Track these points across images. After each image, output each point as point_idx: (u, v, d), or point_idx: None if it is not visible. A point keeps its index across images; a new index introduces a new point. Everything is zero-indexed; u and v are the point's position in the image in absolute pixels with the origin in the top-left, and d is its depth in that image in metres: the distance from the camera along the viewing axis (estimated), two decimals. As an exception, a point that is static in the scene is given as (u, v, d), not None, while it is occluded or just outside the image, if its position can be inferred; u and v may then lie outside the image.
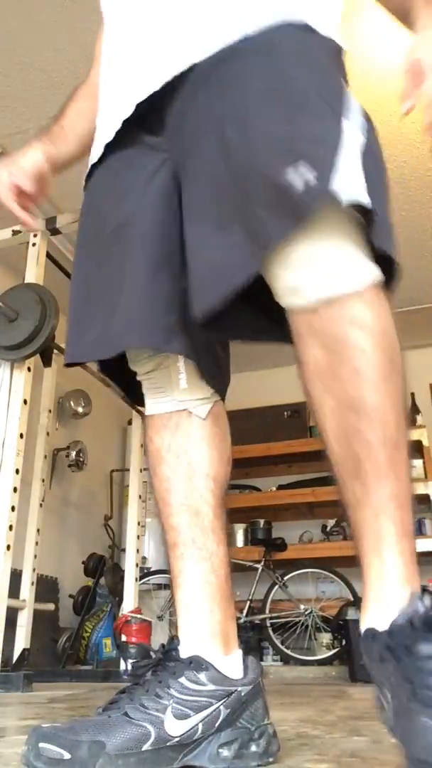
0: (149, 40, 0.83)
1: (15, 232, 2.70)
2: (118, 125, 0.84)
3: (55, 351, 2.68)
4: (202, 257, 0.73)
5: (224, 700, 0.77)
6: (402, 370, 0.67)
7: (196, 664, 0.78)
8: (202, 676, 0.77)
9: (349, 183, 0.63)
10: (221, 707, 0.77)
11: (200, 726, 0.75)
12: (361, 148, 0.67)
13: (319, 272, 0.65)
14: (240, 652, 0.84)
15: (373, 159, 0.68)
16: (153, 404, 0.91)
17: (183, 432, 0.88)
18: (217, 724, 0.76)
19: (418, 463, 3.98)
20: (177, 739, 0.73)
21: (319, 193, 0.62)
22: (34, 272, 2.62)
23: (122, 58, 0.87)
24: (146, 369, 0.91)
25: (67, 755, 0.67)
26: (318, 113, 0.67)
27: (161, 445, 0.89)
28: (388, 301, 0.67)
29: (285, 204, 0.63)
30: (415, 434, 3.99)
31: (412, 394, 4.27)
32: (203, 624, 0.82)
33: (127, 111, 0.82)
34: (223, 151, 0.70)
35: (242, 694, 0.79)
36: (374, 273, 0.66)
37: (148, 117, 0.83)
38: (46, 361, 2.74)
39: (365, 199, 0.63)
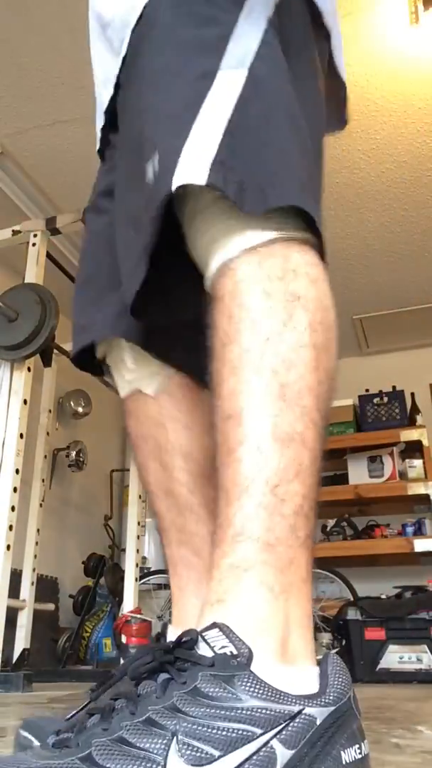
0: (100, 42, 0.82)
1: (15, 232, 2.70)
2: (98, 134, 0.88)
3: (55, 351, 2.68)
4: (120, 251, 0.71)
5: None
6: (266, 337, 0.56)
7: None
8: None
9: (189, 165, 0.57)
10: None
11: None
12: (232, 104, 0.59)
13: (199, 250, 0.61)
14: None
15: (258, 104, 0.60)
16: (119, 389, 0.88)
17: (143, 414, 0.84)
18: None
19: (418, 463, 3.98)
20: None
21: (161, 185, 0.57)
22: (34, 272, 2.63)
23: (94, 64, 0.88)
24: (101, 355, 0.88)
25: (36, 742, 0.59)
26: (172, 91, 0.62)
27: (133, 433, 0.86)
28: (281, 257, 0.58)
29: (147, 197, 0.60)
30: (415, 434, 3.99)
31: (412, 394, 4.27)
32: (188, 615, 0.75)
33: (101, 120, 0.87)
34: (119, 145, 0.73)
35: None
36: (244, 241, 0.58)
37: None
38: (46, 361, 2.74)
39: (200, 180, 0.56)
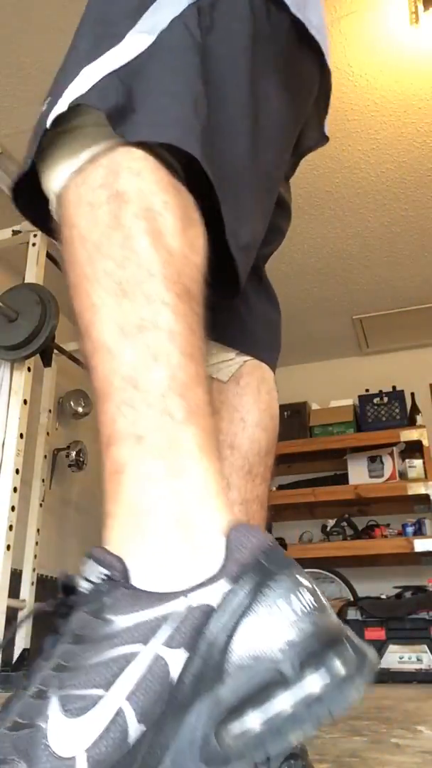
0: None
1: (15, 232, 2.70)
2: None
3: (55, 351, 2.68)
4: None
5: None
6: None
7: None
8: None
9: (62, 102, 0.57)
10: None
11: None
12: (127, 60, 0.59)
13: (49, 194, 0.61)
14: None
15: (152, 65, 0.60)
16: None
17: None
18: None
19: (418, 463, 3.98)
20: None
21: (40, 122, 0.58)
22: (34, 272, 2.63)
23: None
24: None
25: None
26: (82, 45, 0.64)
27: None
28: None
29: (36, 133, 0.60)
30: (415, 434, 3.99)
31: (412, 394, 4.27)
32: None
33: None
34: None
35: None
36: (70, 166, 0.57)
37: None
38: (46, 361, 2.74)
39: (62, 108, 0.56)
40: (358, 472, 4.11)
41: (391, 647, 3.07)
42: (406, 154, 3.02)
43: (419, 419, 4.13)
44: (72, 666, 0.40)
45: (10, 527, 2.33)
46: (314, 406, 4.44)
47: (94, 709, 0.38)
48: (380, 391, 4.26)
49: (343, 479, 4.15)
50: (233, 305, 0.87)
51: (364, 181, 3.18)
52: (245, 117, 0.68)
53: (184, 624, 0.40)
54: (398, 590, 3.43)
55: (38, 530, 2.80)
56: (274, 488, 4.45)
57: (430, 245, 3.61)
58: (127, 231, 0.51)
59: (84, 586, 0.44)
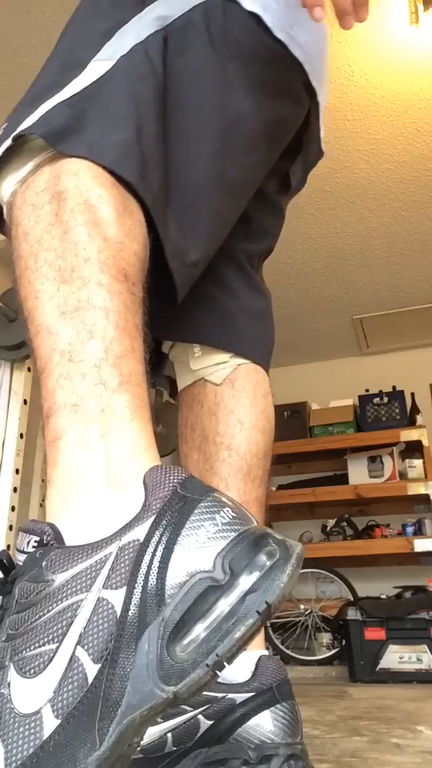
0: None
1: (15, 232, 2.70)
2: None
3: (55, 351, 2.68)
4: None
5: (204, 708, 0.61)
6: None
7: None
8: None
9: (12, 136, 0.64)
10: (200, 717, 0.61)
11: (170, 736, 0.60)
12: (84, 86, 0.65)
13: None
14: (257, 652, 0.68)
15: (107, 89, 0.65)
16: (179, 381, 0.91)
17: (198, 402, 0.86)
18: (196, 737, 0.61)
19: (418, 463, 3.98)
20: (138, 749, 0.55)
21: None
22: (34, 272, 2.62)
23: None
24: (168, 347, 0.92)
25: None
26: (49, 73, 0.71)
27: (182, 422, 0.87)
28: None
29: None
30: (415, 434, 3.99)
31: (412, 394, 4.27)
32: None
33: None
34: None
35: (236, 702, 0.62)
36: (17, 176, 0.63)
37: None
38: (46, 361, 2.74)
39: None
40: (358, 472, 4.10)
41: (391, 647, 3.07)
42: (406, 154, 3.02)
43: (419, 419, 4.12)
44: (22, 631, 0.43)
45: (10, 527, 2.32)
46: (314, 406, 4.44)
47: (51, 663, 0.40)
48: (380, 391, 4.26)
49: (343, 479, 4.14)
50: (223, 302, 0.88)
51: (364, 181, 3.18)
52: (209, 138, 0.71)
53: (118, 563, 0.42)
54: (398, 590, 3.43)
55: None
56: (273, 488, 4.45)
57: (430, 245, 3.61)
58: (66, 225, 0.56)
59: (20, 558, 0.47)
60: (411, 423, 4.12)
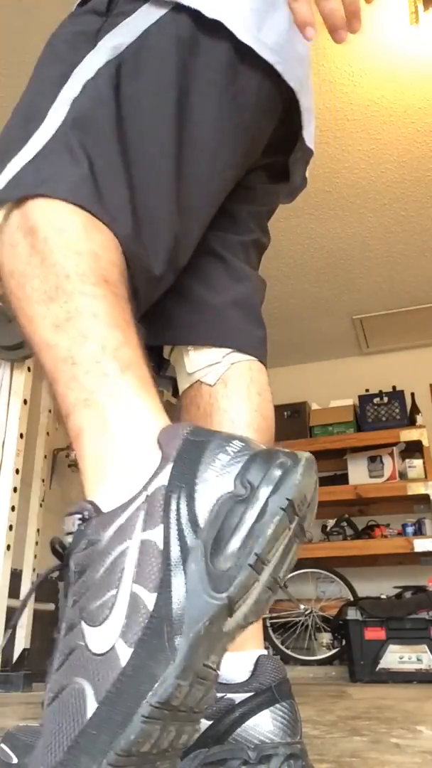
0: None
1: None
2: None
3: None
4: None
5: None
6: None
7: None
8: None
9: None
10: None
11: None
12: (47, 139, 0.70)
13: None
14: (256, 652, 0.69)
15: (70, 135, 0.70)
16: (179, 384, 0.92)
17: (195, 404, 0.87)
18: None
19: (418, 463, 3.98)
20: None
21: None
22: (34, 272, 2.62)
23: None
24: (167, 351, 0.93)
25: (14, 759, 0.58)
26: (13, 119, 0.76)
27: None
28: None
29: None
30: (415, 434, 3.99)
31: (412, 394, 4.28)
32: None
33: None
34: None
35: (235, 702, 0.63)
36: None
37: None
38: (46, 361, 2.74)
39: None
40: (358, 472, 4.11)
41: (391, 647, 3.07)
42: (406, 154, 3.02)
43: (419, 419, 4.13)
44: (83, 591, 0.49)
45: (10, 527, 2.33)
46: (314, 406, 4.44)
47: (114, 607, 0.46)
48: (380, 391, 4.26)
49: (343, 479, 4.15)
50: (203, 297, 0.89)
51: (364, 181, 3.18)
52: (167, 156, 0.74)
53: (151, 508, 0.48)
54: (398, 590, 3.43)
55: (38, 530, 2.80)
56: (274, 488, 4.44)
57: (430, 245, 3.61)
58: (42, 253, 0.62)
59: (68, 539, 0.53)
60: (411, 423, 4.13)
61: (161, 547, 0.46)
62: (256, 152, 0.88)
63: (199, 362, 0.88)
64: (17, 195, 0.66)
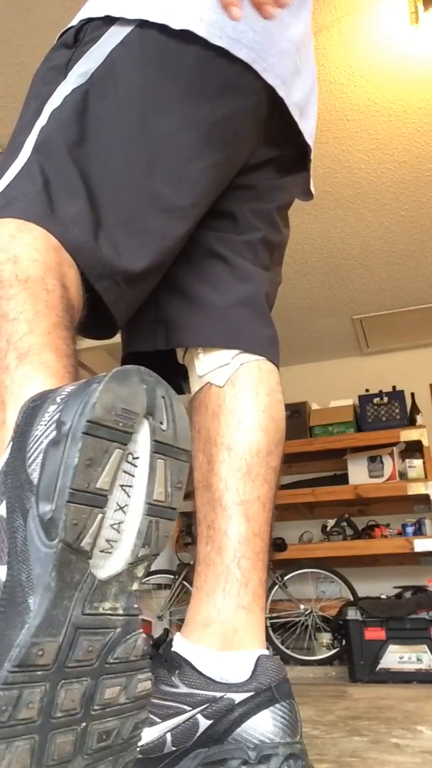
0: None
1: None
2: None
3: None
4: None
5: (203, 708, 0.62)
6: None
7: (170, 661, 0.64)
8: (176, 678, 0.62)
9: None
10: (199, 716, 0.62)
11: (169, 736, 0.61)
12: (16, 171, 0.74)
13: None
14: (257, 651, 0.69)
15: (50, 143, 0.75)
16: (191, 387, 0.93)
17: (204, 405, 0.87)
18: (195, 737, 0.61)
19: (418, 463, 3.97)
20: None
21: None
22: (34, 272, 2.62)
23: None
24: (180, 355, 0.94)
25: None
26: (3, 156, 0.79)
27: (191, 427, 0.88)
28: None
29: None
30: (415, 434, 3.99)
31: (412, 394, 4.27)
32: (198, 611, 0.73)
33: None
34: None
35: (235, 702, 0.62)
36: None
37: None
38: (46, 361, 2.74)
39: None
40: (358, 472, 4.10)
41: (391, 647, 3.07)
42: (406, 154, 3.02)
43: (419, 419, 4.13)
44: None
45: (10, 527, 2.33)
46: (314, 406, 4.44)
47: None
48: (380, 391, 4.26)
49: (343, 479, 4.14)
50: (209, 300, 0.89)
51: (364, 181, 3.18)
52: (136, 170, 0.77)
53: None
54: (398, 590, 3.43)
55: None
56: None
57: (430, 245, 3.61)
58: None
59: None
60: (411, 423, 4.12)
61: (5, 515, 0.46)
62: (245, 149, 0.88)
63: (209, 364, 0.88)
64: None
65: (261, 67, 0.81)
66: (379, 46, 2.52)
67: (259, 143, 0.89)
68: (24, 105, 0.84)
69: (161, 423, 0.47)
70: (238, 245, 0.93)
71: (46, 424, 0.47)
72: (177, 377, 0.96)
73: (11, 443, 0.50)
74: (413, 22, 2.31)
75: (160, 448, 0.47)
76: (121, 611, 0.44)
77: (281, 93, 0.85)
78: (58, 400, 0.48)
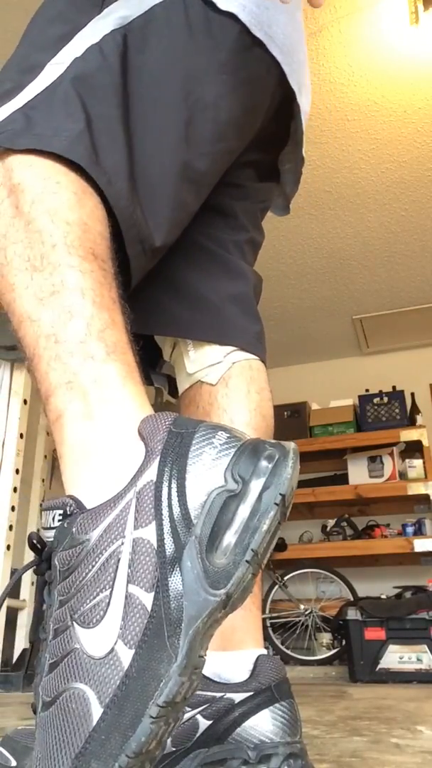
0: None
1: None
2: None
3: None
4: None
5: (203, 708, 0.62)
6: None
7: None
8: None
9: None
10: (198, 716, 0.62)
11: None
12: (38, 91, 0.67)
13: None
14: (256, 651, 0.69)
15: (58, 91, 0.67)
16: (179, 385, 0.91)
17: (194, 404, 0.87)
18: (195, 738, 0.61)
19: (418, 463, 3.98)
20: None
21: None
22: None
23: None
24: (167, 353, 0.93)
25: (13, 762, 0.57)
26: (6, 76, 0.71)
27: None
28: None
29: None
30: (415, 434, 3.99)
31: (412, 394, 4.27)
32: None
33: None
34: None
35: (235, 702, 0.62)
36: None
37: None
38: (46, 361, 2.74)
39: None
40: (358, 472, 4.11)
41: (391, 647, 3.07)
42: (406, 154, 3.02)
43: (419, 419, 4.13)
44: (73, 592, 0.47)
45: (10, 527, 2.33)
46: (314, 406, 4.44)
47: (110, 607, 0.45)
48: (380, 391, 4.26)
49: (343, 479, 4.15)
50: (202, 294, 0.88)
51: (364, 181, 3.18)
52: (174, 129, 0.73)
53: (141, 505, 0.47)
54: (398, 590, 3.43)
55: (38, 530, 2.80)
56: (274, 488, 4.44)
57: (430, 245, 3.61)
58: (28, 216, 0.58)
59: (48, 535, 0.51)
60: (411, 423, 4.12)
61: (155, 545, 0.45)
62: (244, 144, 0.87)
63: (200, 362, 0.88)
64: (6, 143, 0.61)
65: (288, 70, 0.82)
66: (379, 46, 2.52)
67: (252, 142, 0.89)
68: (40, 20, 0.77)
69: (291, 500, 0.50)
70: (230, 243, 0.93)
71: (208, 466, 0.47)
72: (146, 368, 0.94)
73: (158, 461, 0.48)
74: (413, 22, 2.31)
75: (282, 520, 0.49)
76: (205, 653, 0.47)
77: (300, 100, 0.86)
78: (218, 444, 0.48)
